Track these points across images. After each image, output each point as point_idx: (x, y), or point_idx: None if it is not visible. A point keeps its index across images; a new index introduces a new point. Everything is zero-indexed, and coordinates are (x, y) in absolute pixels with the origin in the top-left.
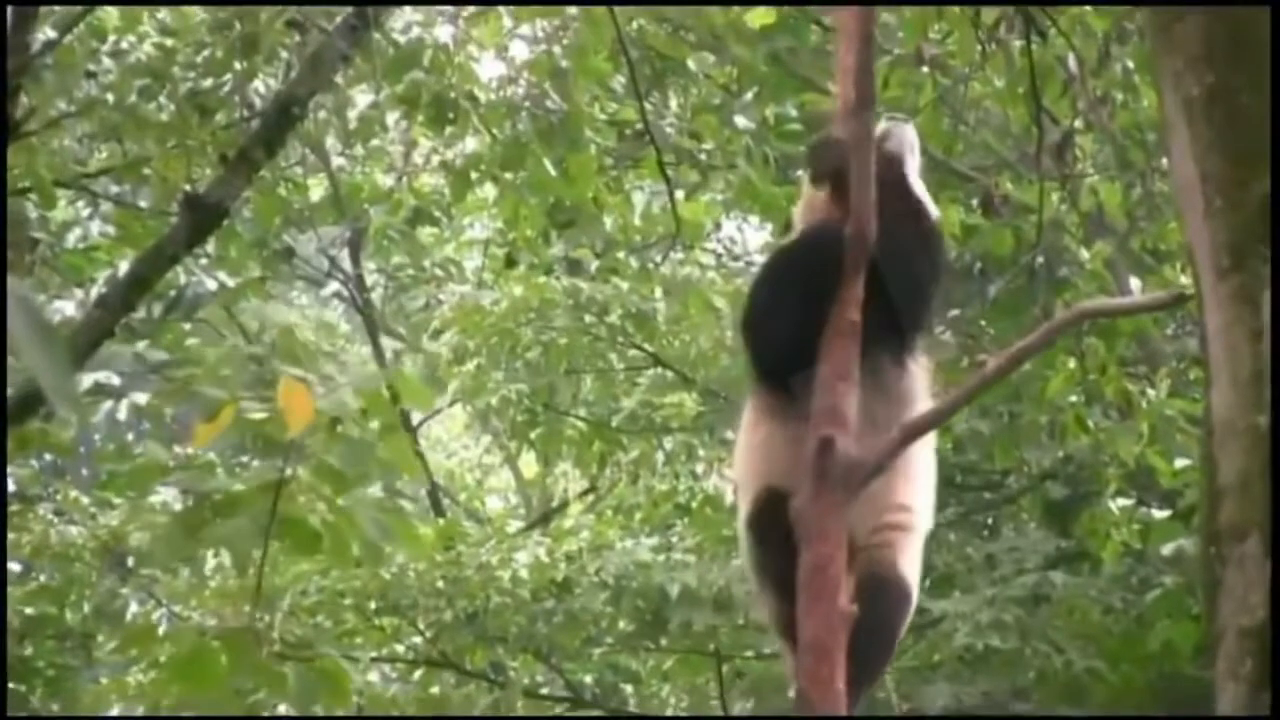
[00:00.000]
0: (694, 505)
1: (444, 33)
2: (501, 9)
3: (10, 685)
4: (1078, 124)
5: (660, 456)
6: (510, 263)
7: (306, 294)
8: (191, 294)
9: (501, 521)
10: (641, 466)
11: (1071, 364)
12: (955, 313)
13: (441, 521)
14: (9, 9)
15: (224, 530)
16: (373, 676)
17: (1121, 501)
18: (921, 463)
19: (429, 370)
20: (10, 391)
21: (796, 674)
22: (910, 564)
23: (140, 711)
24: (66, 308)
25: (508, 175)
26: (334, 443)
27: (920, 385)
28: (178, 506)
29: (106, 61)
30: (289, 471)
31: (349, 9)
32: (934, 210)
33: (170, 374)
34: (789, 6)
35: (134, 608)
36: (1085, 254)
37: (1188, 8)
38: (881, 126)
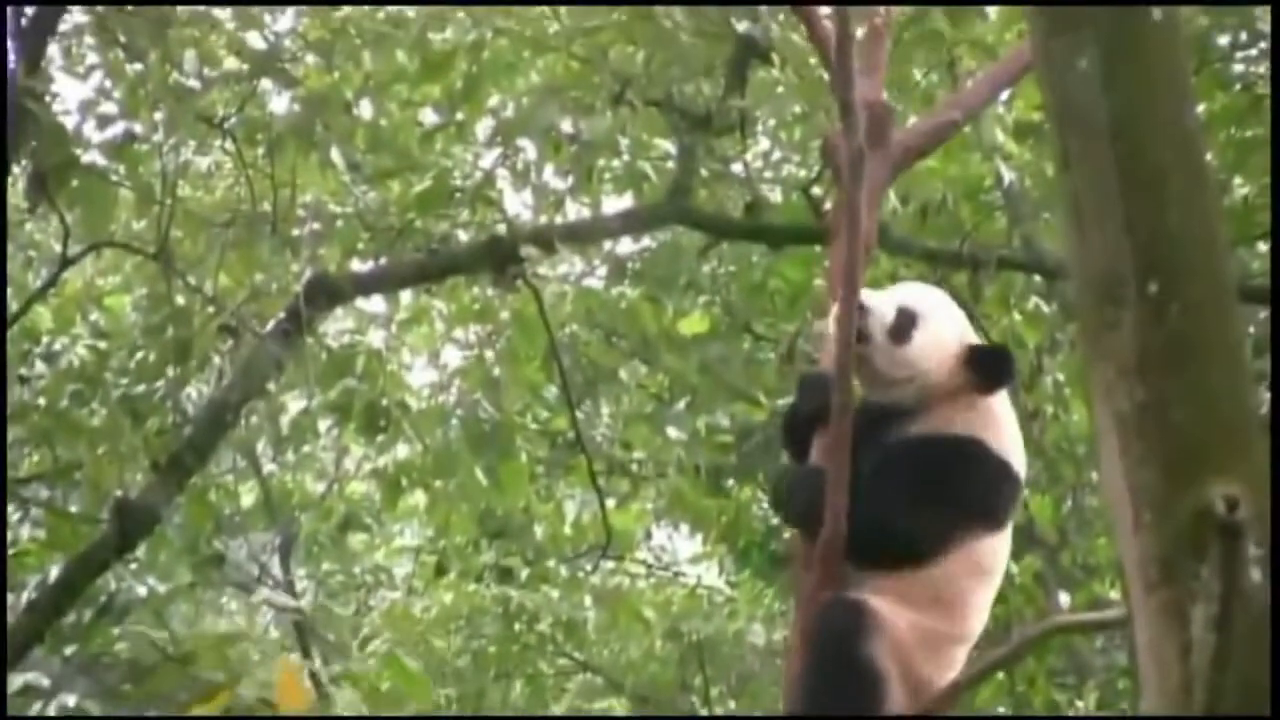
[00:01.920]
0: None
1: (377, 338)
2: (434, 315)
3: None
4: None
5: None
6: (440, 570)
7: (236, 600)
8: (121, 599)
9: None
10: None
11: (1000, 675)
12: None
13: None
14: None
15: None
16: None
17: None
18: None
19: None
20: None
21: None
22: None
23: None
24: None
25: (438, 483)
26: None
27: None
28: None
29: (39, 365)
30: None
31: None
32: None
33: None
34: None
35: None
36: (1014, 568)
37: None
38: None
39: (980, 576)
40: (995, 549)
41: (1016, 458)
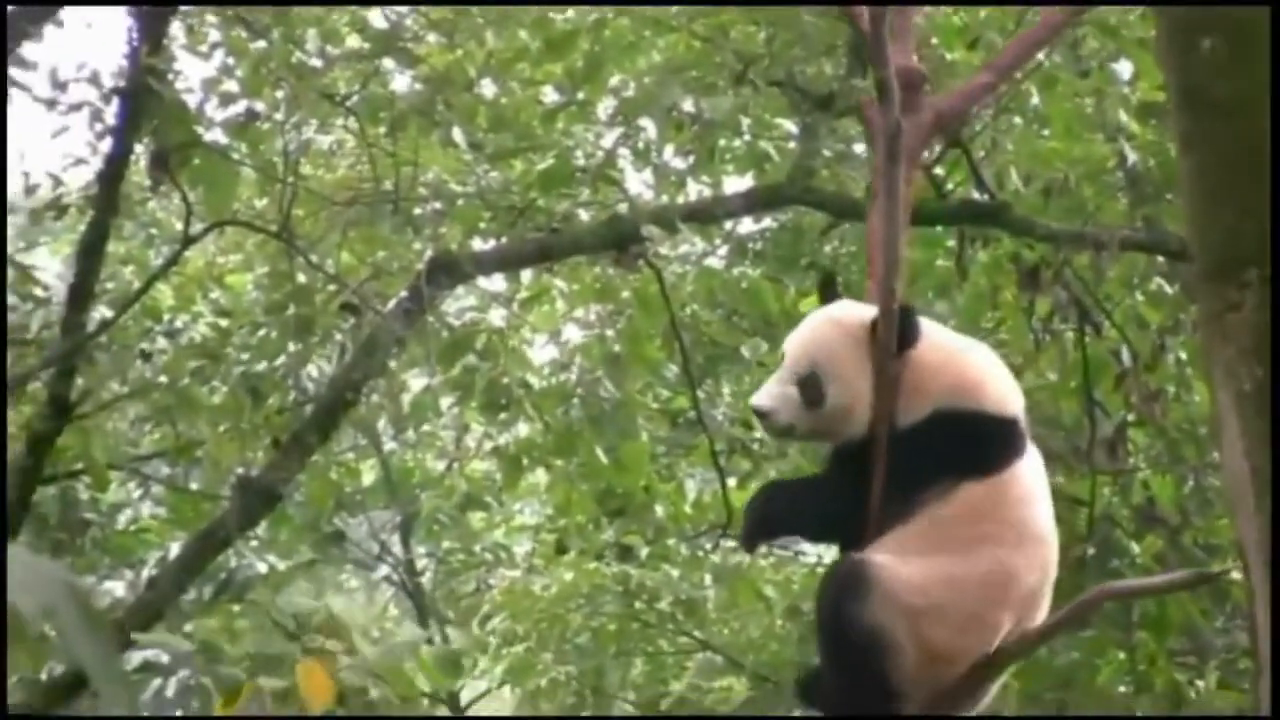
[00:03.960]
0: None
1: (498, 316)
2: (555, 294)
3: None
4: (1130, 417)
5: None
6: (561, 549)
7: (356, 577)
8: (242, 576)
9: None
10: None
11: (1121, 655)
12: None
13: None
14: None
15: None
16: None
17: None
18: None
19: (476, 648)
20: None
21: None
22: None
23: None
24: (116, 589)
25: (559, 462)
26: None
27: None
28: None
29: (161, 341)
30: None
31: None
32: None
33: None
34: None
35: None
36: (1136, 548)
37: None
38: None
39: (979, 518)
40: (988, 491)
41: (989, 397)
